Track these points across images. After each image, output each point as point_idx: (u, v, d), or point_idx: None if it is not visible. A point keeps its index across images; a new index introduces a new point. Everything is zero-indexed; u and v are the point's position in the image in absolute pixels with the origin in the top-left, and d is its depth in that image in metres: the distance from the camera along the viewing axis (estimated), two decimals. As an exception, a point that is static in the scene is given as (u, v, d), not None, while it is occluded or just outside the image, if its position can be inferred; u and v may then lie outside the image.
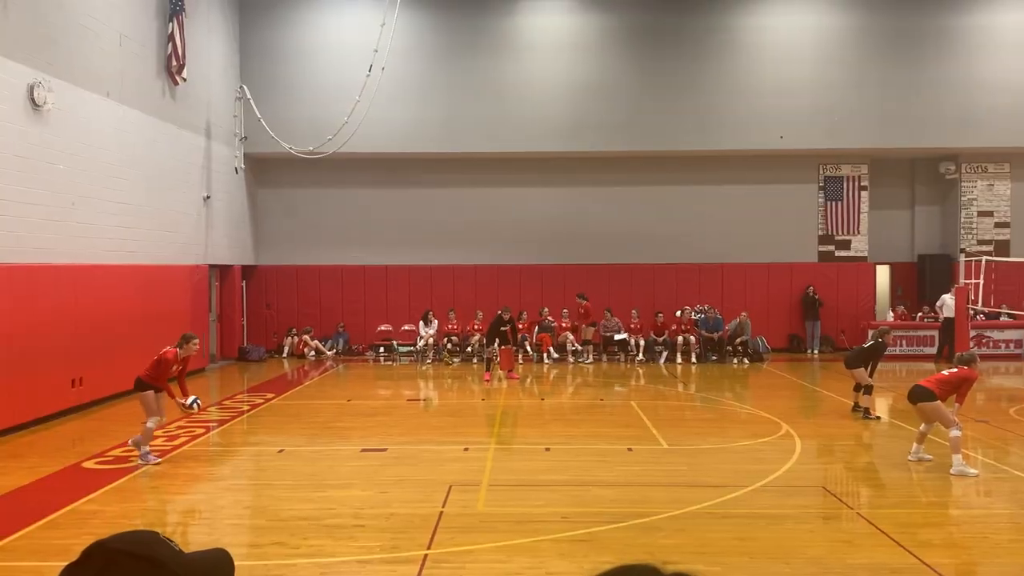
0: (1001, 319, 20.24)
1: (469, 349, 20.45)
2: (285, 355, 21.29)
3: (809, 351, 21.27)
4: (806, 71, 20.72)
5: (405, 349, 20.98)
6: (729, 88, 20.73)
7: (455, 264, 21.66)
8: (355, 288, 21.87)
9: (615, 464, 9.65)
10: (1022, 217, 21.45)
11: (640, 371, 18.94)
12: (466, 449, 10.42)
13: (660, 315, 20.69)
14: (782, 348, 21.37)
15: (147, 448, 9.68)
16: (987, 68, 20.51)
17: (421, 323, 20.73)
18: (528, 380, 17.29)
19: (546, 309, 20.76)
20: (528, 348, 20.20)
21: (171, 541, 1.24)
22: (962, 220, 21.67)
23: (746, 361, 19.87)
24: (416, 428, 12.19)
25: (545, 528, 7.14)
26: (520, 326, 19.38)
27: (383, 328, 21.55)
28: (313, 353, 21.00)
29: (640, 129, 20.67)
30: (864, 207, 21.72)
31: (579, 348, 20.32)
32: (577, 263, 21.53)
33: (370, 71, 17.74)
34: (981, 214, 21.68)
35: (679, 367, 19.61)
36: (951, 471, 9.01)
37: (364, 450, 10.41)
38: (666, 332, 20.67)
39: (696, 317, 20.62)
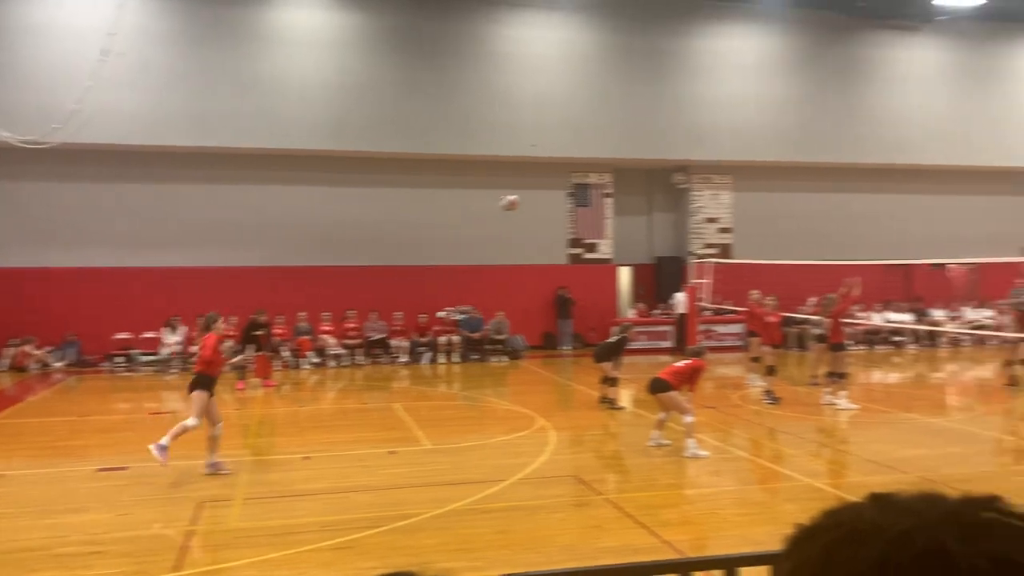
0: (725, 315, 22.47)
1: (222, 356, 19.34)
2: (5, 369, 18.96)
3: (562, 348, 22.40)
4: (556, 83, 21.80)
5: (147, 358, 19.43)
6: (486, 95, 21.33)
7: (205, 266, 20.41)
8: (89, 293, 19.93)
9: (377, 468, 9.56)
10: (741, 223, 23.97)
11: (404, 372, 18.96)
12: (219, 462, 9.83)
13: (423, 316, 20.83)
14: (538, 346, 22.31)
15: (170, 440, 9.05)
16: (712, 88, 22.73)
17: (166, 330, 19.32)
18: (285, 387, 16.69)
19: (303, 313, 20.14)
20: (285, 353, 19.50)
21: None
22: (691, 226, 23.84)
23: (505, 359, 20.55)
24: (162, 442, 11.31)
25: (305, 539, 6.91)
26: (276, 330, 18.67)
27: (121, 336, 19.80)
28: (38, 365, 18.88)
29: (402, 131, 20.69)
30: (608, 213, 23.24)
31: (340, 352, 19.95)
32: (338, 265, 21.12)
33: (105, 55, 16.27)
34: (708, 220, 23.97)
35: (442, 367, 19.88)
36: (685, 454, 9.87)
37: (101, 469, 9.51)
38: (429, 333, 20.85)
39: (458, 318, 20.99)
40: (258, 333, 16.36)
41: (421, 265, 21.65)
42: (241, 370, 16.56)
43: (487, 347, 20.87)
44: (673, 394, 10.08)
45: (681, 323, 21.37)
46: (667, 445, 10.35)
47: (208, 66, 19.75)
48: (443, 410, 14.25)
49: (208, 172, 20.56)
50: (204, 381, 9.39)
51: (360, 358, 20.11)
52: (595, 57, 22.15)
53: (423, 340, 20.76)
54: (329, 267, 21.06)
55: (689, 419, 10.00)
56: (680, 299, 21.57)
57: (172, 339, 19.25)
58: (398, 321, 20.72)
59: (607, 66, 22.17)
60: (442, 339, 20.61)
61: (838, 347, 13.47)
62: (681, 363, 10.45)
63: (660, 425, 10.47)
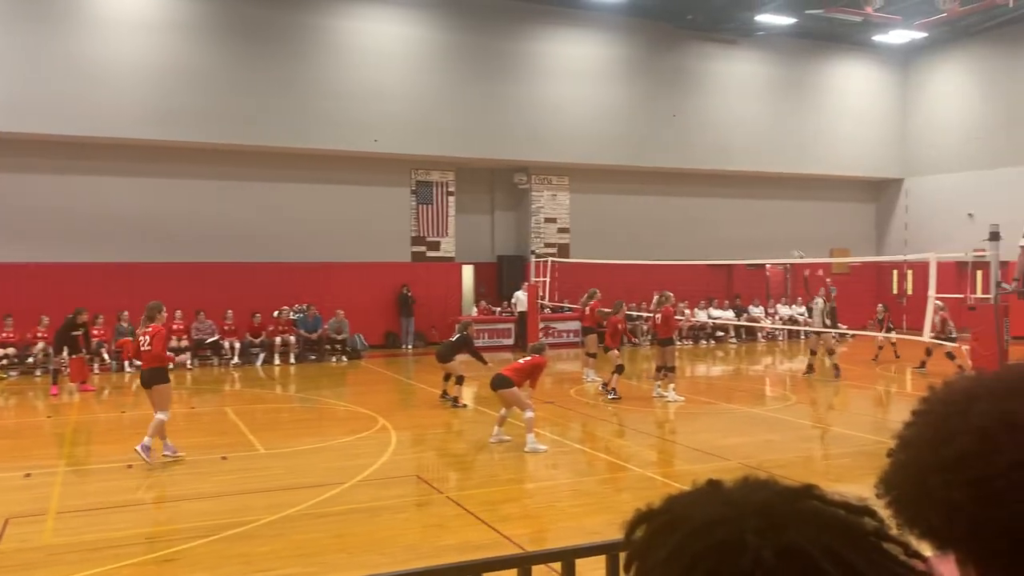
0: (564, 312, 23.07)
1: (31, 360, 17.83)
2: None
3: (404, 346, 22.23)
4: (399, 79, 21.58)
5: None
6: (326, 87, 20.79)
7: (15, 262, 18.71)
8: None
9: (208, 475, 9.12)
10: (579, 223, 24.68)
11: (236, 375, 18.20)
12: (28, 475, 9.06)
13: (257, 316, 20.05)
14: (379, 345, 22.02)
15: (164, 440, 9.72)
16: (551, 91, 23.23)
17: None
18: (105, 392, 15.62)
19: (126, 312, 18.88)
20: (105, 356, 18.22)
21: None
22: (532, 225, 24.31)
23: (344, 359, 20.15)
24: (-40, 456, 10.30)
25: (127, 552, 6.48)
26: (95, 332, 17.43)
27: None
28: None
29: (235, 122, 19.79)
30: (451, 211, 23.29)
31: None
32: (163, 261, 19.91)
33: None
34: (547, 220, 24.52)
35: (277, 368, 19.23)
36: (525, 449, 10.05)
37: None
38: (263, 333, 20.10)
39: (295, 317, 20.37)
40: (76, 334, 15.20)
41: (255, 262, 20.82)
42: (55, 373, 15.34)
43: (325, 347, 20.39)
44: (514, 390, 10.25)
45: (522, 321, 21.74)
46: (508, 441, 10.49)
47: (19, 45, 18.11)
48: (279, 413, 13.80)
49: (20, 160, 18.86)
50: (162, 374, 9.65)
51: (188, 360, 19.12)
52: (438, 55, 22.12)
53: (257, 340, 19.99)
54: (153, 263, 19.82)
55: (529, 415, 10.19)
56: (521, 297, 21.95)
57: (-27, 342, 17.54)
58: (229, 321, 19.84)
59: (450, 64, 22.19)
60: (277, 339, 19.94)
61: (667, 342, 14.13)
62: (522, 360, 10.64)
63: (501, 421, 10.61)
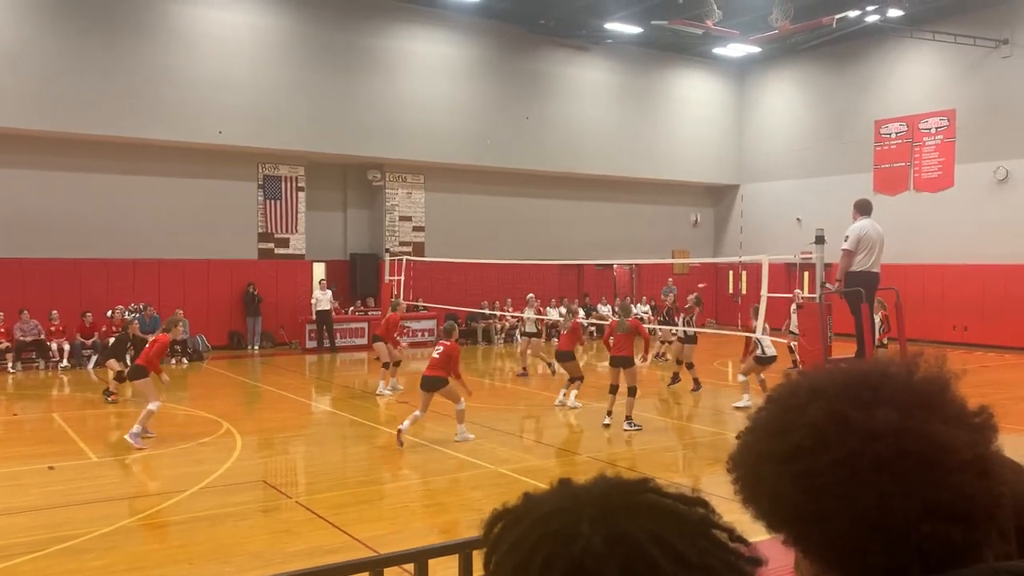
0: (419, 311, 22.98)
1: None
2: None
3: (250, 347, 21.43)
4: (245, 69, 20.76)
5: None
6: (167, 75, 19.70)
7: None
8: None
9: (33, 486, 8.47)
10: (434, 222, 24.63)
11: (65, 379, 16.99)
12: None
13: (88, 315, 18.77)
14: (223, 346, 21.13)
15: (142, 428, 10.25)
16: (406, 89, 23.04)
17: None
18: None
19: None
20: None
21: None
22: (387, 223, 24.04)
23: (185, 361, 19.21)
24: None
25: (-66, 576, 5.92)
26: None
27: None
28: None
29: (60, 107, 18.39)
30: (302, 207, 22.66)
31: (-16, 356, 17.37)
32: (-19, 257, 18.30)
33: None
34: (402, 218, 24.32)
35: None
36: (456, 438, 10.25)
37: None
38: (96, 334, 18.84)
39: (130, 317, 19.20)
40: None
41: (86, 258, 19.48)
42: None
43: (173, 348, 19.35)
44: (451, 386, 10.17)
45: (321, 322, 21.32)
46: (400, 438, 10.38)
47: None
48: (112, 418, 12.98)
49: None
50: (144, 371, 10.45)
51: (10, 364, 17.65)
52: (287, 46, 21.44)
53: (88, 342, 18.72)
54: (-30, 259, 18.20)
55: (461, 406, 10.31)
56: (320, 296, 21.46)
57: None
58: (56, 321, 18.45)
59: (302, 56, 21.55)
60: (111, 340, 18.72)
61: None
62: (436, 353, 10.40)
63: (415, 421, 10.28)
